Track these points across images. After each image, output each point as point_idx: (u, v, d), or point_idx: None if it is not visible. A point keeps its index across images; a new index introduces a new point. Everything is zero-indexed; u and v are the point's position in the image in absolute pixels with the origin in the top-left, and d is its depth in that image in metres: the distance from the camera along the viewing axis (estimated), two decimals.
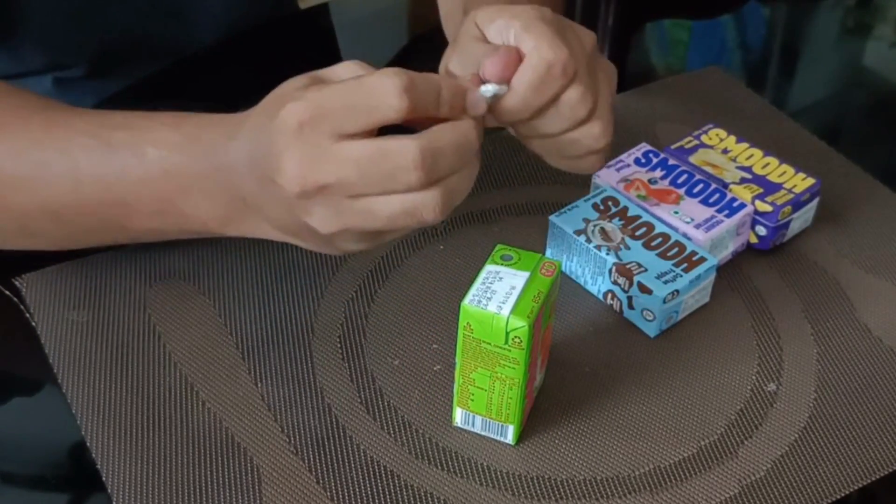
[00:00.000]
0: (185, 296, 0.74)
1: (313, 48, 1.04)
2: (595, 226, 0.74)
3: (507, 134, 0.78)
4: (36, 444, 0.69)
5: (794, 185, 0.78)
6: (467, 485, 0.63)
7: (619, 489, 0.63)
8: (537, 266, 0.62)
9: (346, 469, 0.63)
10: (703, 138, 0.83)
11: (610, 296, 0.74)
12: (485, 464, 0.64)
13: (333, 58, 1.05)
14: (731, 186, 0.78)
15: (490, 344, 0.60)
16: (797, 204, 0.78)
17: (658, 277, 0.71)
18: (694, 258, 0.72)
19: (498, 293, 0.60)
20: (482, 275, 0.61)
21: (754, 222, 0.78)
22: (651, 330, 0.72)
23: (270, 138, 0.55)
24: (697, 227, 0.75)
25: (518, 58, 0.59)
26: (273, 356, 0.70)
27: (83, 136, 0.63)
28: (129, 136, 0.62)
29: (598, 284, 0.74)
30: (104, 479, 0.62)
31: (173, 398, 0.67)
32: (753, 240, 0.79)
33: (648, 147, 0.81)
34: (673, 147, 0.83)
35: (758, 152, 0.82)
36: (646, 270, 0.71)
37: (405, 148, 0.53)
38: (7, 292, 0.73)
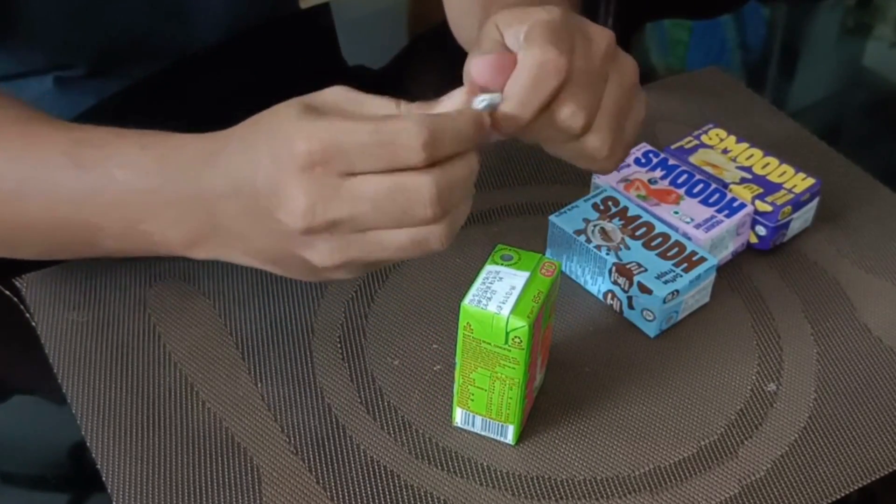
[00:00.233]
0: (185, 296, 0.74)
1: (313, 48, 1.04)
2: (595, 226, 0.74)
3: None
4: (36, 444, 0.69)
5: (794, 185, 0.78)
6: (467, 485, 0.63)
7: (619, 489, 0.63)
8: (537, 266, 0.62)
9: (346, 469, 0.63)
10: (703, 138, 0.83)
11: (610, 296, 0.74)
12: (485, 464, 0.64)
13: (333, 58, 1.05)
14: (731, 186, 0.78)
15: (490, 344, 0.60)
16: (797, 204, 0.78)
17: (658, 277, 0.71)
18: (694, 258, 0.72)
19: (498, 293, 0.60)
20: (482, 275, 0.61)
21: (754, 222, 0.78)
22: (651, 330, 0.72)
23: (272, 173, 0.53)
24: (697, 227, 0.75)
25: (510, 62, 0.58)
26: (273, 356, 0.70)
27: (57, 153, 0.62)
28: (100, 155, 0.61)
29: (598, 284, 0.74)
30: (104, 479, 0.62)
31: (173, 398, 0.67)
32: (753, 240, 0.79)
33: (648, 147, 0.81)
34: (673, 147, 0.83)
35: (758, 152, 0.82)
36: (646, 270, 0.71)
37: (422, 185, 0.52)
38: (7, 292, 0.73)
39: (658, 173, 0.79)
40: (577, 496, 0.63)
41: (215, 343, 0.70)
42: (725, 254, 0.77)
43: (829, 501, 0.63)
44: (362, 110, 0.54)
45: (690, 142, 0.83)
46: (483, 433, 0.65)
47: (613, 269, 0.72)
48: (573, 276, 0.76)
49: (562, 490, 0.63)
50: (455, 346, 0.62)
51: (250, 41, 0.98)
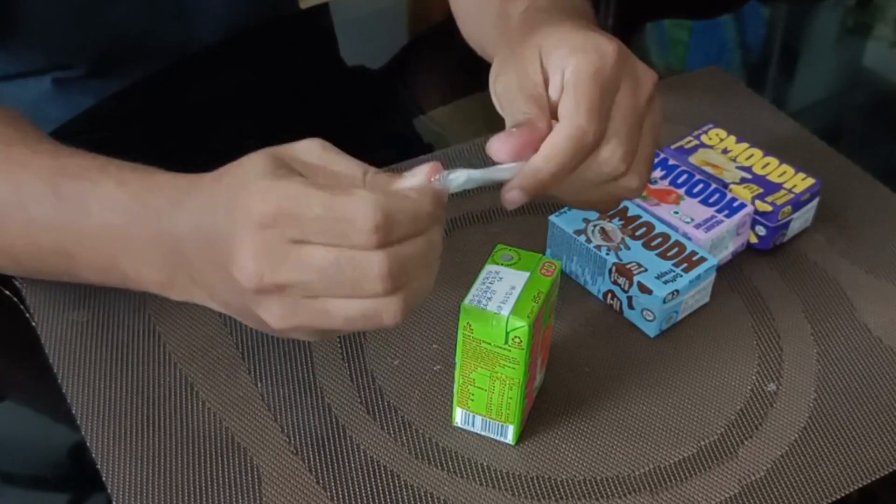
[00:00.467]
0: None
1: (313, 48, 1.04)
2: (595, 226, 0.74)
3: None
4: (36, 444, 0.69)
5: (794, 185, 0.78)
6: (467, 485, 0.63)
7: (619, 489, 0.63)
8: (537, 266, 0.62)
9: (346, 469, 0.63)
10: (703, 138, 0.83)
11: (610, 296, 0.74)
12: (485, 464, 0.64)
13: (333, 58, 1.05)
14: (731, 186, 0.78)
15: (490, 344, 0.60)
16: (797, 204, 0.78)
17: (658, 277, 0.71)
18: (694, 258, 0.72)
19: (498, 293, 0.60)
20: (482, 275, 0.61)
21: (754, 222, 0.78)
22: (651, 330, 0.72)
23: (228, 228, 0.52)
24: (697, 227, 0.75)
25: (536, 139, 0.57)
26: (273, 356, 0.70)
27: (37, 180, 0.62)
28: (78, 188, 0.61)
29: (598, 284, 0.74)
30: (104, 479, 0.62)
31: (173, 398, 0.67)
32: (753, 240, 0.79)
33: None
34: (673, 147, 0.83)
35: (758, 152, 0.82)
36: (646, 270, 0.71)
37: (372, 261, 0.50)
38: (7, 292, 0.73)
39: (658, 173, 0.79)
40: (577, 496, 0.63)
41: (215, 343, 0.70)
42: (725, 254, 0.77)
43: (829, 501, 0.63)
44: (331, 172, 0.53)
45: (690, 142, 0.83)
46: (483, 433, 0.65)
47: (613, 269, 0.72)
48: (573, 276, 0.76)
49: (562, 490, 0.63)
50: (455, 346, 0.62)
51: (250, 41, 0.98)
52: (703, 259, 0.72)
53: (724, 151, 0.82)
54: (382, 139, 0.93)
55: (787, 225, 0.78)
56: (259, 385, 0.68)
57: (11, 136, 0.65)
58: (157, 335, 0.71)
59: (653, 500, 0.63)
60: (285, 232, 0.50)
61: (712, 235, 0.74)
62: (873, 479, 0.64)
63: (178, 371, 0.69)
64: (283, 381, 0.68)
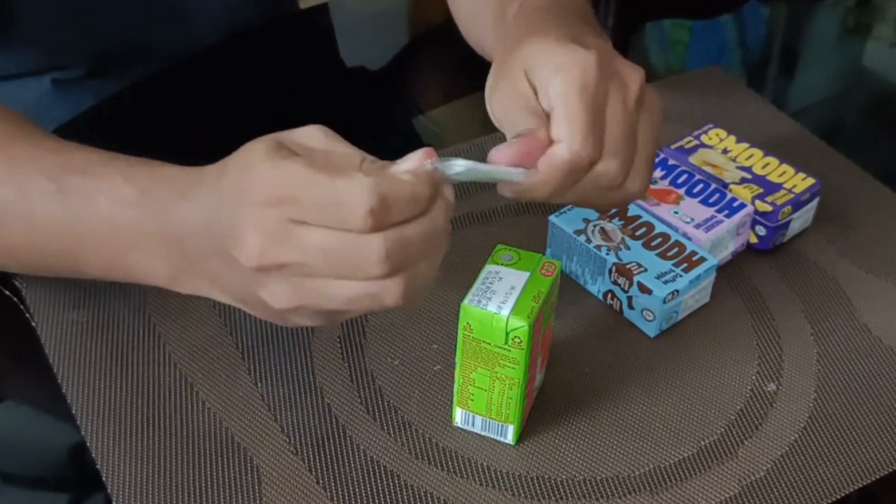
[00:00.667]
0: (185, 296, 0.73)
1: (313, 49, 1.04)
2: (595, 226, 0.74)
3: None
4: (36, 444, 0.69)
5: (794, 185, 0.78)
6: (467, 485, 0.63)
7: (619, 489, 0.63)
8: (537, 266, 0.62)
9: (346, 469, 0.63)
10: (703, 138, 0.83)
11: (610, 296, 0.74)
12: (485, 464, 0.64)
13: (333, 58, 1.05)
14: (731, 186, 0.78)
15: (490, 344, 0.60)
16: (797, 204, 0.78)
17: (658, 277, 0.71)
18: (694, 258, 0.72)
19: (498, 293, 0.60)
20: (482, 275, 0.61)
21: (754, 222, 0.78)
22: (651, 330, 0.72)
23: (231, 209, 0.53)
24: (697, 227, 0.75)
25: (537, 148, 0.58)
26: (273, 356, 0.70)
27: (41, 177, 0.62)
28: (84, 183, 0.61)
29: (598, 284, 0.74)
30: (104, 479, 0.62)
31: (173, 398, 0.67)
32: (753, 240, 0.79)
33: None
34: (673, 147, 0.83)
35: (758, 152, 0.82)
36: (646, 270, 0.71)
37: (371, 244, 0.51)
38: (7, 292, 0.73)
39: (658, 173, 0.79)
40: (577, 496, 0.63)
41: (215, 343, 0.70)
42: (725, 254, 0.77)
43: (829, 501, 0.63)
44: (331, 156, 0.53)
45: (690, 142, 0.83)
46: (483, 433, 0.65)
47: (613, 269, 0.72)
48: (573, 276, 0.76)
49: (562, 490, 0.63)
50: (455, 346, 0.62)
51: (249, 42, 0.98)
52: (703, 259, 0.72)
53: (724, 151, 0.82)
54: (382, 139, 0.93)
55: (787, 225, 0.78)
56: (259, 385, 0.68)
57: (13, 133, 0.65)
58: (157, 335, 0.71)
59: (653, 500, 0.63)
60: (286, 212, 0.51)
61: (712, 235, 0.74)
62: (873, 479, 0.64)
63: (178, 371, 0.69)
64: (283, 381, 0.68)
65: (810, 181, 0.79)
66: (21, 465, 0.68)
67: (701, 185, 0.78)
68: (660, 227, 0.74)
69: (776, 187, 0.78)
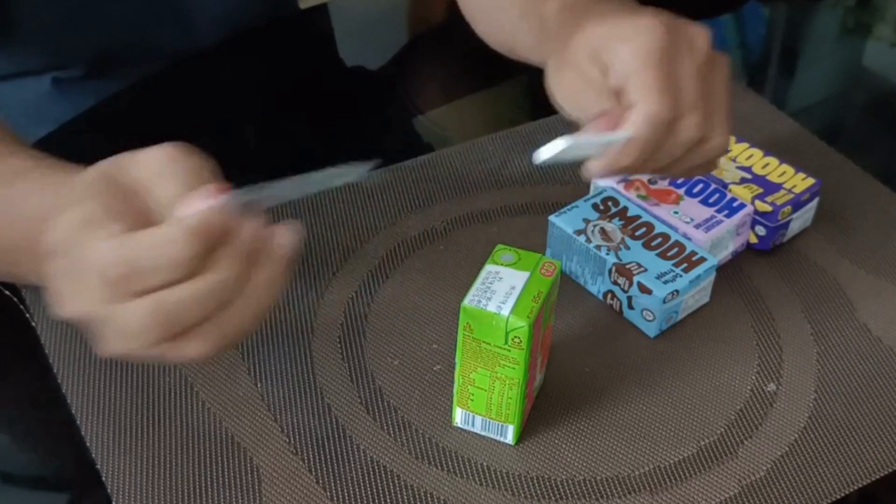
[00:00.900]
0: None
1: (312, 49, 1.04)
2: (595, 226, 0.74)
3: (507, 133, 0.78)
4: (36, 444, 0.69)
5: (794, 185, 0.78)
6: (467, 485, 0.63)
7: (619, 489, 0.63)
8: (537, 266, 0.62)
9: (346, 469, 0.63)
10: None
11: (610, 296, 0.74)
12: (485, 464, 0.64)
13: (332, 58, 1.05)
14: (731, 186, 0.78)
15: (490, 344, 0.60)
16: (797, 204, 0.78)
17: (658, 277, 0.71)
18: (694, 258, 0.72)
19: (498, 293, 0.60)
20: (482, 275, 0.61)
21: (754, 222, 0.78)
22: (651, 330, 0.72)
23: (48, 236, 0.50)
24: (697, 227, 0.75)
25: (614, 121, 0.60)
26: (273, 356, 0.70)
27: None
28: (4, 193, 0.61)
29: (597, 284, 0.74)
30: (104, 479, 0.62)
31: (173, 398, 0.67)
32: (753, 240, 0.79)
33: None
34: None
35: (758, 152, 0.82)
36: (645, 270, 0.71)
37: (130, 311, 0.47)
38: (7, 292, 0.73)
39: None
40: (577, 496, 0.63)
41: None
42: (725, 254, 0.77)
43: (829, 501, 0.63)
44: (151, 191, 0.50)
45: None
46: (483, 433, 0.65)
47: (613, 269, 0.72)
48: (573, 276, 0.76)
49: (562, 490, 0.63)
50: (455, 346, 0.62)
51: (249, 42, 0.98)
52: (702, 259, 0.72)
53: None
54: (382, 139, 0.93)
55: (786, 225, 0.78)
56: (259, 385, 0.68)
57: None
58: None
59: (653, 500, 0.63)
60: (74, 263, 0.49)
61: (712, 235, 0.74)
62: (873, 479, 0.64)
63: (178, 371, 0.68)
64: (283, 381, 0.68)
65: (810, 181, 0.79)
66: (21, 465, 0.68)
67: (701, 185, 0.78)
68: (660, 227, 0.74)
69: (776, 187, 0.78)
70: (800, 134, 0.91)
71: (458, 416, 0.65)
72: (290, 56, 1.00)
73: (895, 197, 0.85)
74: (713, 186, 0.78)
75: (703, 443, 0.66)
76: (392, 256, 0.78)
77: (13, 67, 0.91)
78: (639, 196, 0.77)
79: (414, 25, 1.15)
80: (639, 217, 0.75)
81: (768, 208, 0.77)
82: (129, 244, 0.47)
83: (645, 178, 0.78)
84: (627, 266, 0.72)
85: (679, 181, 0.78)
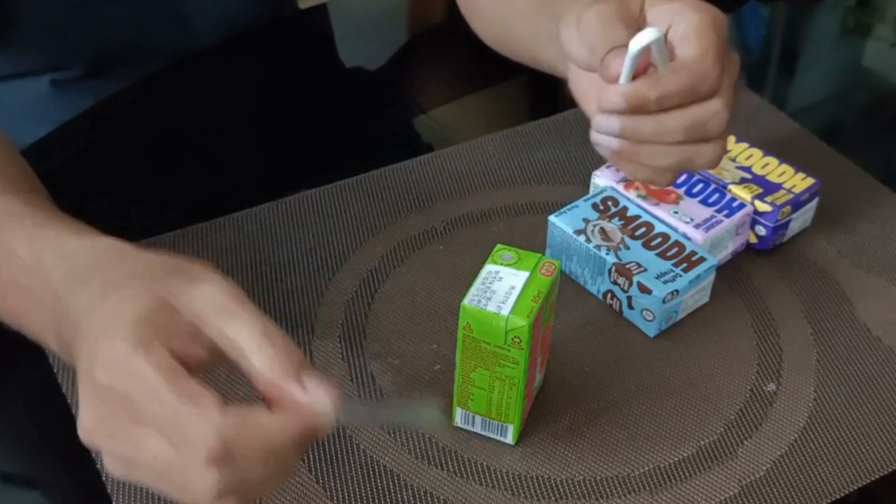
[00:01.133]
0: None
1: (312, 49, 1.04)
2: (595, 226, 0.74)
3: (507, 133, 0.78)
4: (36, 444, 0.69)
5: (794, 185, 0.78)
6: (467, 485, 0.63)
7: (619, 489, 0.63)
8: (537, 266, 0.62)
9: (346, 469, 0.63)
10: None
11: (609, 296, 0.74)
12: (485, 464, 0.64)
13: (332, 59, 1.05)
14: (731, 186, 0.78)
15: (490, 344, 0.60)
16: (797, 204, 0.78)
17: (658, 277, 0.71)
18: (693, 258, 0.72)
19: (498, 293, 0.60)
20: (482, 275, 0.61)
21: (754, 222, 0.78)
22: (651, 330, 0.72)
23: (84, 358, 0.48)
24: (697, 227, 0.75)
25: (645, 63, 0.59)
26: None
27: None
28: None
29: (597, 284, 0.74)
30: (104, 479, 0.62)
31: None
32: (753, 240, 0.79)
33: None
34: None
35: (758, 152, 0.82)
36: (645, 270, 0.71)
37: (202, 477, 0.46)
38: None
39: None
40: (576, 496, 0.63)
41: None
42: (725, 254, 0.77)
43: (829, 501, 0.63)
44: (218, 332, 0.48)
45: None
46: (483, 433, 0.65)
47: (613, 269, 0.72)
48: (573, 276, 0.76)
49: (562, 490, 0.63)
50: (455, 346, 0.62)
51: (249, 42, 0.98)
52: (702, 259, 0.72)
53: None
54: (382, 139, 0.93)
55: (786, 225, 0.78)
56: None
57: None
58: None
59: (653, 500, 0.62)
60: (125, 407, 0.47)
61: (712, 235, 0.74)
62: (873, 479, 0.64)
63: None
64: None
65: (810, 181, 0.79)
66: (21, 465, 0.68)
67: (700, 185, 0.78)
68: (659, 227, 0.74)
69: (776, 187, 0.78)
70: (800, 134, 0.91)
71: (458, 416, 0.65)
72: (289, 56, 1.00)
73: (895, 197, 0.85)
74: (713, 186, 0.78)
75: (702, 443, 0.66)
76: (392, 256, 0.78)
77: (12, 68, 0.91)
78: (639, 196, 0.77)
79: (414, 25, 1.15)
80: (638, 217, 0.75)
81: (768, 208, 0.77)
82: (236, 424, 0.46)
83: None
84: (627, 266, 0.72)
85: (679, 181, 0.78)
